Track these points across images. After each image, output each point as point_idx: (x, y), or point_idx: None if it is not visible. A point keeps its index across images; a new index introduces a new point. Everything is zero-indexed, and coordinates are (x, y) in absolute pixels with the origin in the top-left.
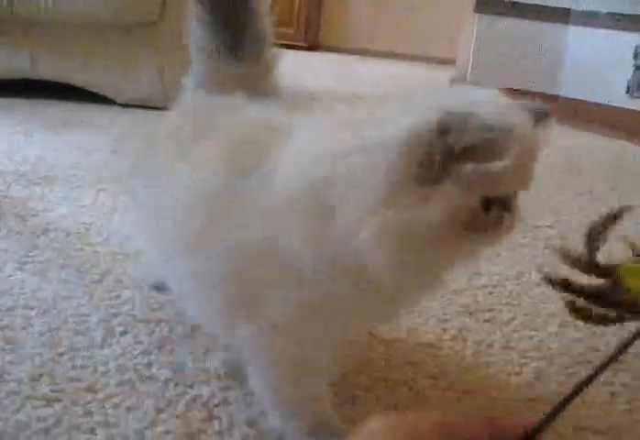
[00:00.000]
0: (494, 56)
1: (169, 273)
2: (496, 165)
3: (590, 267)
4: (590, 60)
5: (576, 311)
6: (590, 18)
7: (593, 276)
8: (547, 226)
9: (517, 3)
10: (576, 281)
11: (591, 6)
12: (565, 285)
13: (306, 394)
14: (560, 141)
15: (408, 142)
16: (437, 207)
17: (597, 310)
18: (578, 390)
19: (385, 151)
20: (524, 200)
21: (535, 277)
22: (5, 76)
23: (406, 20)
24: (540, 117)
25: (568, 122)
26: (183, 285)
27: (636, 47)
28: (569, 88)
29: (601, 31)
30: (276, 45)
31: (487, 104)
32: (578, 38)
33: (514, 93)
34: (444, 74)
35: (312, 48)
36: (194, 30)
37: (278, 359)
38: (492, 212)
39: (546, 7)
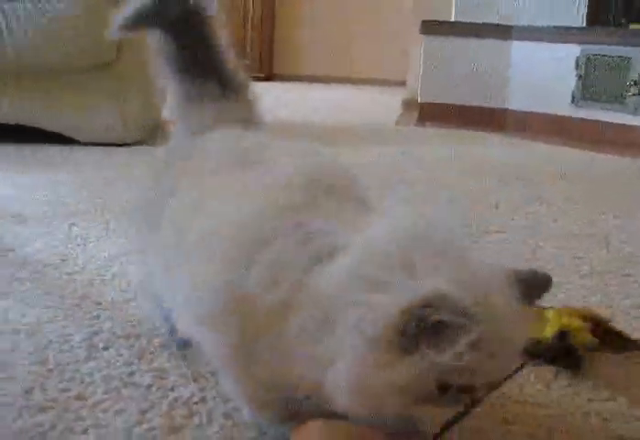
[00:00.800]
0: (443, 75)
1: None
2: (449, 353)
3: None
4: (535, 73)
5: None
6: (532, 33)
7: None
8: (496, 232)
9: (460, 22)
10: None
11: (531, 21)
12: None
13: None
14: (508, 152)
15: (399, 315)
16: (396, 376)
17: None
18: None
19: (377, 315)
20: (480, 209)
21: None
22: None
23: (356, 45)
24: (537, 291)
25: (518, 134)
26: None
27: (577, 58)
28: (517, 101)
29: (543, 44)
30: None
31: (480, 284)
32: (521, 53)
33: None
34: (396, 96)
35: (268, 78)
36: (171, 84)
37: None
38: (449, 395)
39: (488, 25)
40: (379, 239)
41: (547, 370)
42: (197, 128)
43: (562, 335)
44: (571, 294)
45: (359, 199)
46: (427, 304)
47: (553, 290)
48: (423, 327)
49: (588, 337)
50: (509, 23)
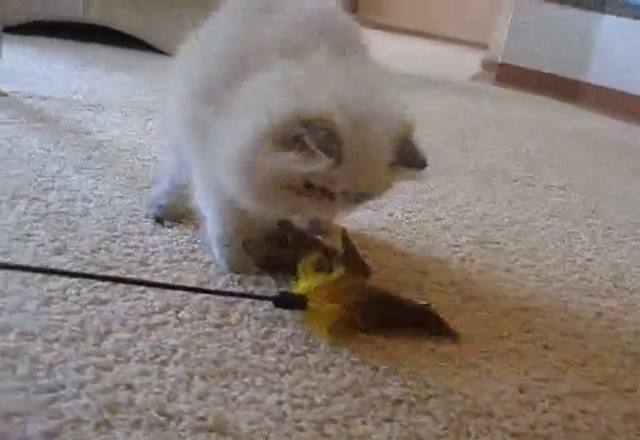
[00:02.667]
0: (528, 39)
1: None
2: (315, 160)
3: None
4: (622, 50)
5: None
6: (626, 9)
7: None
8: (559, 187)
9: None
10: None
11: None
12: None
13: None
14: (583, 123)
15: (280, 119)
16: (274, 163)
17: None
18: None
19: (269, 118)
20: (541, 167)
21: (542, 223)
22: (57, 19)
23: (441, 3)
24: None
25: (594, 108)
26: None
27: None
28: (598, 76)
29: (636, 22)
30: None
31: (367, 110)
32: (611, 28)
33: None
34: (475, 56)
35: None
36: None
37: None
38: (311, 191)
39: None
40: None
41: (590, 311)
42: None
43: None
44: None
45: (348, 47)
46: (315, 118)
47: None
48: (302, 134)
49: None
50: None
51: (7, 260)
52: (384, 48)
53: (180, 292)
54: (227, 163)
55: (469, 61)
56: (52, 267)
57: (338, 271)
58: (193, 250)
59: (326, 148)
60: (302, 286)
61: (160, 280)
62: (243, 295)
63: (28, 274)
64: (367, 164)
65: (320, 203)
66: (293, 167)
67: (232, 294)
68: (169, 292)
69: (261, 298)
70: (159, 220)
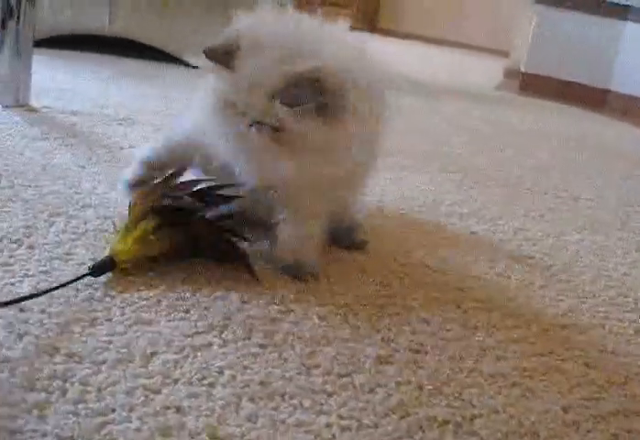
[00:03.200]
0: (550, 47)
1: None
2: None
3: None
4: None
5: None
6: None
7: None
8: (588, 199)
9: None
10: None
11: None
12: None
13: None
14: (608, 132)
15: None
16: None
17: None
18: None
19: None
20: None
21: (573, 237)
22: (85, 32)
23: (462, 9)
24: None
25: (618, 116)
26: None
27: None
28: (622, 84)
29: None
30: None
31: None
32: (634, 35)
33: (567, 84)
34: (496, 64)
35: (369, 30)
36: None
37: None
38: (233, 110)
39: (605, 2)
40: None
41: (629, 327)
42: None
43: None
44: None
45: None
46: (224, 43)
47: None
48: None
49: None
50: (627, 3)
51: (49, 280)
52: (405, 56)
53: (222, 311)
54: None
55: (492, 69)
56: (94, 287)
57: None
58: (234, 268)
59: (222, 60)
60: (114, 248)
61: (204, 298)
62: (59, 287)
63: (72, 292)
64: (254, 78)
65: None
66: (219, 87)
67: (48, 291)
68: (211, 312)
69: (75, 280)
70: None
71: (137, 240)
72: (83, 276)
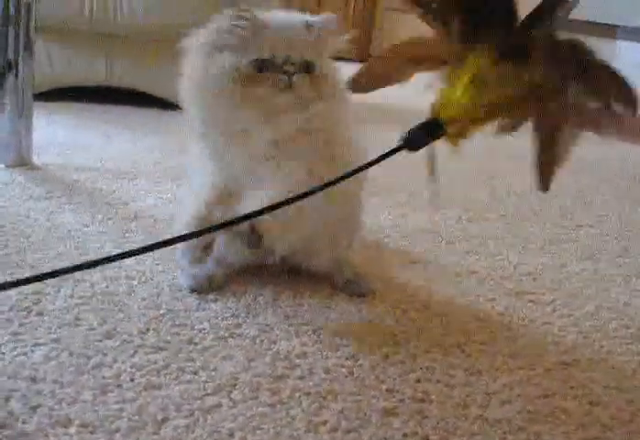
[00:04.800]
0: None
1: None
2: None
3: None
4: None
5: None
6: (638, 34)
7: None
8: (589, 226)
9: (564, 19)
10: None
11: (638, 23)
12: None
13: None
14: (607, 152)
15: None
16: (218, 66)
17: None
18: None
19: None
20: (570, 203)
21: (575, 267)
22: (83, 83)
23: None
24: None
25: (615, 135)
26: None
27: None
28: None
29: None
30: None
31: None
32: (624, 54)
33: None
34: None
35: (362, 60)
36: None
37: None
38: (264, 74)
39: (593, 23)
40: None
41: (632, 360)
42: None
43: None
44: None
45: None
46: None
47: None
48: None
49: None
50: (615, 23)
51: (59, 347)
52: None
53: (229, 371)
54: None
55: None
56: (104, 352)
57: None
58: (239, 325)
59: (241, 18)
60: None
61: (211, 359)
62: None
63: (83, 360)
64: (286, 29)
65: (278, 85)
66: (235, 56)
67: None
68: (219, 372)
69: (390, 154)
70: (199, 292)
71: (467, 86)
72: (398, 149)
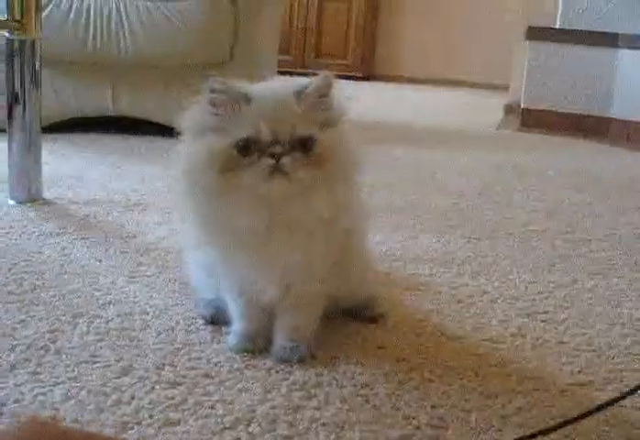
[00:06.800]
0: (546, 81)
1: None
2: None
3: None
4: None
5: None
6: (638, 41)
7: None
8: (599, 240)
9: (566, 29)
10: None
11: (638, 30)
12: None
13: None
14: (614, 163)
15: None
16: (201, 150)
17: None
18: None
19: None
20: (580, 218)
21: (586, 283)
22: (89, 114)
23: (457, 48)
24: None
25: (621, 143)
26: None
27: None
28: (621, 110)
29: None
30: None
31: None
32: (627, 61)
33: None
34: (495, 100)
35: (367, 77)
36: None
37: None
38: (250, 156)
39: (594, 32)
40: None
41: None
42: None
43: None
44: None
45: None
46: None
47: None
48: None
49: None
50: (615, 31)
51: (78, 386)
52: (400, 103)
53: (246, 404)
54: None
55: (492, 106)
56: (122, 389)
57: None
58: (253, 356)
59: (215, 91)
60: None
61: (228, 392)
62: None
63: (102, 398)
64: (271, 100)
65: (269, 170)
66: (215, 139)
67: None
68: (236, 405)
69: None
70: (214, 322)
71: None
72: None
